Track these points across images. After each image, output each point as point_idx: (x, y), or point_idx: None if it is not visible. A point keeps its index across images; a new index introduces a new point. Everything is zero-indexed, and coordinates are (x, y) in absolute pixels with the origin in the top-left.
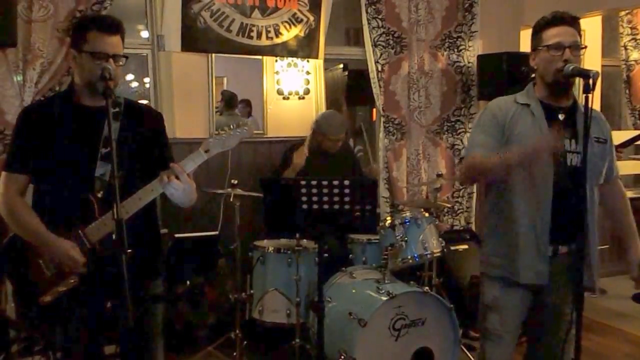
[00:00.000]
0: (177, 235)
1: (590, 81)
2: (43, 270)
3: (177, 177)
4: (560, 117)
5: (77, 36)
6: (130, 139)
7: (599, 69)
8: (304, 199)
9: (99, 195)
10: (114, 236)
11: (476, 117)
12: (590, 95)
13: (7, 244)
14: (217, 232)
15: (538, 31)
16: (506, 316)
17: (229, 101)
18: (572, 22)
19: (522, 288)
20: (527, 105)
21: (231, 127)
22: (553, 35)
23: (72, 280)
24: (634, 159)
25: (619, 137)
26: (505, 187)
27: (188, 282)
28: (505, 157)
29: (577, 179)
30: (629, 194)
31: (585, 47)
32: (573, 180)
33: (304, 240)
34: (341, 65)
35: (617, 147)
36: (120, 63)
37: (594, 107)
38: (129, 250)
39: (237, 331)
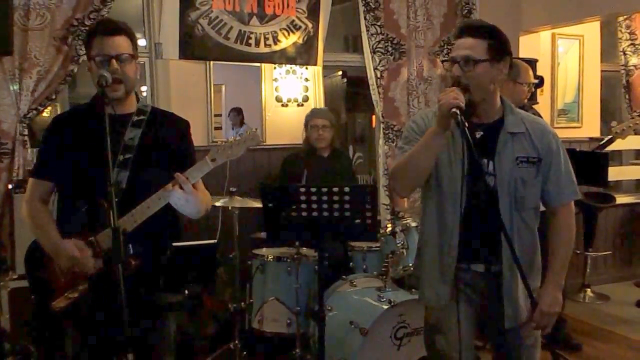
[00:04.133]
0: (174, 244)
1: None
2: (58, 276)
3: (180, 187)
4: (477, 134)
5: (86, 45)
6: (152, 146)
7: (598, 74)
8: (304, 206)
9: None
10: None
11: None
12: (464, 130)
13: (29, 250)
14: (215, 241)
15: None
16: (452, 336)
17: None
18: (477, 32)
19: (462, 306)
20: None
21: (237, 135)
22: (453, 48)
23: (82, 287)
24: (635, 164)
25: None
26: (424, 210)
27: (186, 292)
28: (423, 138)
29: (494, 203)
30: (631, 199)
31: (483, 59)
32: (492, 204)
33: (304, 248)
34: (340, 72)
35: (595, 149)
36: (127, 62)
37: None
38: (135, 261)
39: (237, 341)
